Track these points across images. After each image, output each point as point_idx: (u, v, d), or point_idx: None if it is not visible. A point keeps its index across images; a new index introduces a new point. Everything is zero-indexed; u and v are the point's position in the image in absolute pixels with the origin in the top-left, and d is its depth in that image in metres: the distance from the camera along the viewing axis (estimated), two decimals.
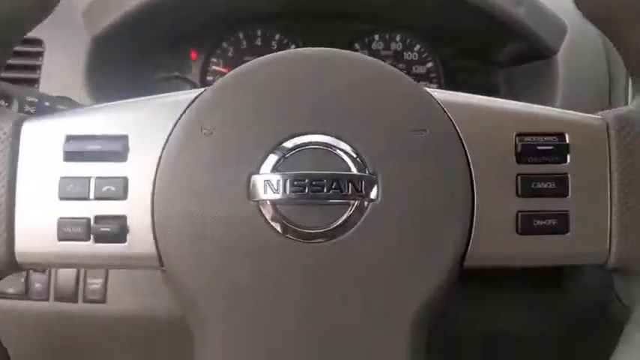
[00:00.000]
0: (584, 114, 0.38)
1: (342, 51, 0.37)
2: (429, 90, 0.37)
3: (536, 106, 0.38)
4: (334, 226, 0.34)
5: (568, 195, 0.36)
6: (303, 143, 0.35)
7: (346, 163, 0.34)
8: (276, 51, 0.71)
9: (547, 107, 0.38)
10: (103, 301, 0.63)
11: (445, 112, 0.36)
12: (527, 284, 0.65)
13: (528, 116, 0.37)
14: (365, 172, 0.34)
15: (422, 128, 0.35)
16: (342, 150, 0.35)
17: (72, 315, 0.63)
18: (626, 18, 0.36)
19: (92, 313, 0.63)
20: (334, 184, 0.34)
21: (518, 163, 0.36)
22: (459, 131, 0.36)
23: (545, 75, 0.61)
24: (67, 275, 0.63)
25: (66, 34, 0.62)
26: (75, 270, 0.62)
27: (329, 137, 0.35)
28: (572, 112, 0.38)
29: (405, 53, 0.74)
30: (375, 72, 0.36)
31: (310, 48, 0.37)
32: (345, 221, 0.34)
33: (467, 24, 0.64)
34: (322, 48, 0.37)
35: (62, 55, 0.61)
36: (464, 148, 0.36)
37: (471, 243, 0.35)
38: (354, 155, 0.34)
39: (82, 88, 0.60)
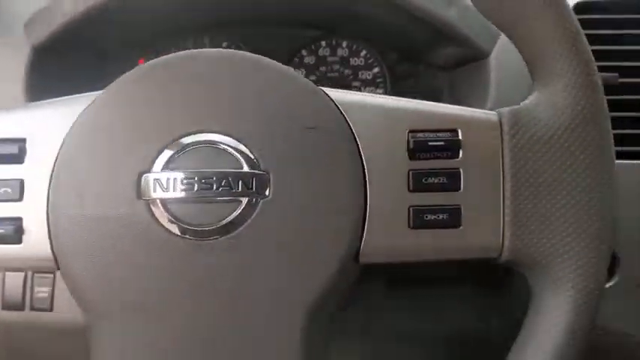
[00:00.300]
0: (481, 110, 0.38)
1: (238, 52, 0.38)
2: (324, 89, 0.38)
3: (431, 103, 0.39)
4: (223, 223, 0.34)
5: (460, 189, 0.36)
6: (196, 142, 0.35)
7: (239, 161, 0.35)
8: None
9: (443, 104, 0.39)
10: (49, 309, 0.63)
11: (340, 110, 0.37)
12: (472, 283, 0.65)
13: (422, 113, 0.37)
14: (256, 170, 0.35)
15: (314, 126, 0.36)
16: (234, 148, 0.35)
17: (19, 323, 0.63)
18: (519, 13, 0.36)
19: (39, 321, 0.63)
20: (224, 181, 0.34)
21: (411, 159, 0.36)
22: (352, 129, 0.36)
23: (478, 78, 0.62)
24: (13, 283, 0.63)
25: (7, 43, 0.63)
26: (22, 278, 0.63)
27: (221, 135, 0.35)
28: (468, 108, 0.38)
29: (351, 59, 0.74)
30: (269, 72, 0.37)
31: (204, 49, 0.38)
32: (235, 219, 0.34)
33: (403, 28, 0.65)
34: (216, 49, 0.38)
35: (2, 65, 0.62)
36: (357, 145, 0.36)
37: (364, 239, 0.36)
38: (247, 153, 0.35)
39: (22, 97, 0.61)
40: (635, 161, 0.56)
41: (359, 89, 0.74)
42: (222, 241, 0.34)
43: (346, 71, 0.74)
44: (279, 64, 0.37)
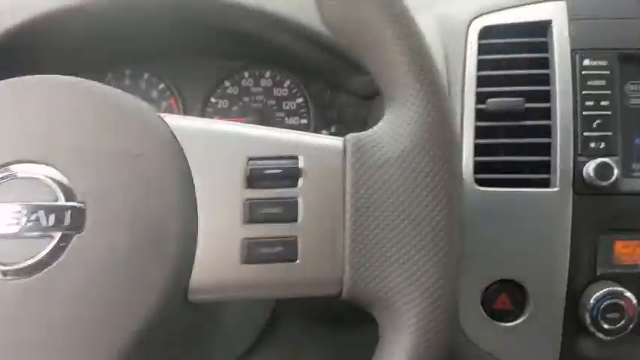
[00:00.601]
0: (328, 136, 0.36)
1: (58, 76, 0.36)
2: (161, 115, 0.36)
3: (275, 129, 0.37)
4: (30, 262, 0.32)
5: (297, 221, 0.34)
6: (11, 173, 0.33)
7: (55, 192, 0.33)
8: (146, 91, 0.71)
9: (288, 130, 0.37)
10: None
11: (174, 136, 0.35)
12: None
13: (262, 140, 0.35)
14: (72, 202, 0.33)
15: (140, 154, 0.34)
16: (51, 178, 0.33)
17: None
18: (364, 33, 0.35)
19: None
20: (33, 215, 0.32)
21: (247, 188, 0.34)
22: (185, 156, 0.34)
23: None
24: None
25: None
26: None
27: (38, 165, 0.33)
28: (315, 135, 0.36)
29: (275, 89, 0.73)
30: (92, 96, 0.35)
31: (26, 76, 0.36)
32: (44, 257, 0.32)
33: (315, 57, 0.63)
34: (38, 75, 0.36)
35: None
36: (189, 173, 0.34)
37: (192, 275, 0.33)
38: (64, 183, 0.33)
39: None
40: (541, 189, 0.53)
41: (283, 120, 0.73)
42: (29, 281, 0.32)
43: (270, 102, 0.73)
44: (108, 88, 0.35)
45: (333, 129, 0.73)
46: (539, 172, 0.54)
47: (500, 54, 0.56)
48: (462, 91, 0.56)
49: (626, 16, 0.55)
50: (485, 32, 0.57)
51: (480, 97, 0.55)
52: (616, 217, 0.53)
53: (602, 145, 0.53)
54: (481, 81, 0.56)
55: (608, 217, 0.53)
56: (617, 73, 0.54)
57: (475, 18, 0.58)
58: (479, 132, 0.55)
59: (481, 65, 0.56)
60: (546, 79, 0.55)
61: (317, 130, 0.73)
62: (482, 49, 0.57)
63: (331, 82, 0.71)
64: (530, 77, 0.55)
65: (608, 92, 0.53)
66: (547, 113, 0.54)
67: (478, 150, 0.55)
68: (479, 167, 0.55)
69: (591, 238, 0.53)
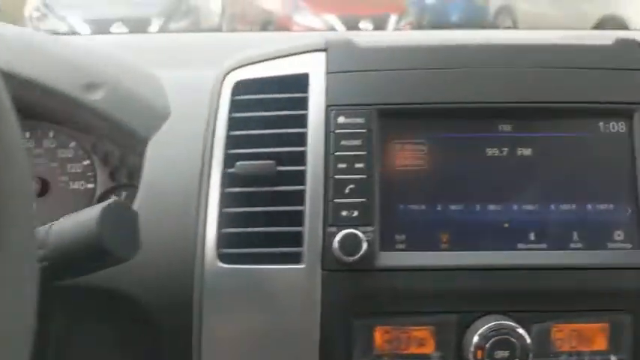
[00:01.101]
0: None
1: None
2: None
3: None
4: None
5: None
6: None
7: None
8: None
9: None
10: None
11: None
12: None
13: None
14: None
15: None
16: None
17: None
18: None
19: None
20: None
21: None
22: None
23: None
24: None
25: None
26: None
27: None
28: None
29: (59, 151, 0.65)
30: None
31: None
32: None
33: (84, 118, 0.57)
34: None
35: None
36: None
37: None
38: None
39: None
40: (288, 266, 0.46)
41: (67, 184, 0.65)
42: None
43: (53, 164, 0.65)
44: None
45: (123, 195, 0.65)
46: (291, 245, 0.47)
47: (254, 111, 0.50)
48: (211, 153, 0.49)
49: (388, 68, 0.49)
50: (239, 87, 0.51)
51: (230, 160, 0.49)
52: (373, 298, 0.46)
53: (355, 213, 0.46)
54: (231, 141, 0.49)
55: (362, 298, 0.45)
56: (376, 131, 0.47)
57: (229, 72, 0.51)
58: (227, 199, 0.48)
59: (232, 124, 0.50)
60: (302, 140, 0.48)
61: (105, 196, 0.65)
62: (234, 106, 0.50)
63: (121, 144, 0.64)
64: (285, 137, 0.49)
65: (364, 153, 0.47)
66: (301, 177, 0.47)
67: (225, 220, 0.47)
68: (225, 241, 0.47)
69: (345, 323, 0.45)
